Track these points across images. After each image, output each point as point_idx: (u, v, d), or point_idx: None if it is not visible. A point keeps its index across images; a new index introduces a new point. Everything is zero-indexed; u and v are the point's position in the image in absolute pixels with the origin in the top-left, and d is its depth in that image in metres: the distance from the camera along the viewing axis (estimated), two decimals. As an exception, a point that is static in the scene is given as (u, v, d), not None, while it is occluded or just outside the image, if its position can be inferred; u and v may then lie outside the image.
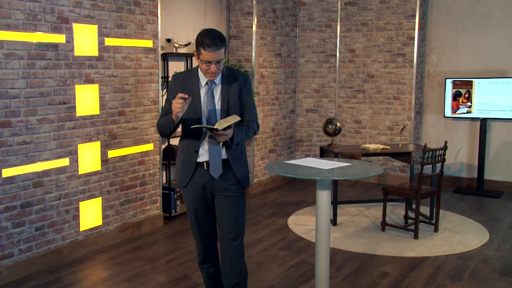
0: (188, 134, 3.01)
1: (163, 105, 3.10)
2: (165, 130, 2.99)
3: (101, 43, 4.55)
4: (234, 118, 2.86)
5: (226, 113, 2.97)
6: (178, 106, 2.81)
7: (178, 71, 5.90)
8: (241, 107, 3.04)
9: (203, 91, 2.99)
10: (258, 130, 3.15)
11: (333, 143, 5.67)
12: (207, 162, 2.99)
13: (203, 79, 2.99)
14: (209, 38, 2.81)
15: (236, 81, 3.03)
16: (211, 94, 2.97)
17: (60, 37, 4.20)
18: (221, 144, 2.98)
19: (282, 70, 7.18)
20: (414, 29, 6.94)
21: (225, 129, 2.82)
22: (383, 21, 7.16)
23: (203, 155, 2.99)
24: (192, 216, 3.11)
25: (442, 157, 5.11)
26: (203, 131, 2.97)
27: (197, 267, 4.19)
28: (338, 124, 5.73)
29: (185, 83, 3.01)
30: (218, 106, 2.99)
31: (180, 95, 2.81)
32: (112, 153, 4.74)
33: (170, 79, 5.71)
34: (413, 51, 6.97)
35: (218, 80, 2.99)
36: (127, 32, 4.80)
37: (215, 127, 2.80)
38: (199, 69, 3.01)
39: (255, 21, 6.53)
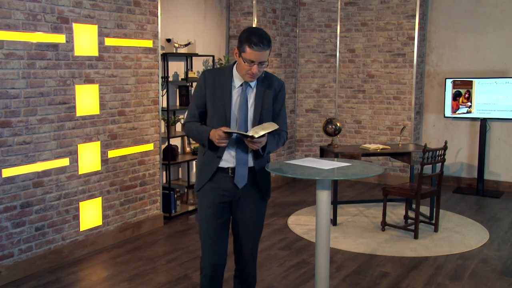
0: None
1: (190, 103, 2.92)
2: (196, 142, 2.87)
3: (101, 43, 4.55)
4: (271, 126, 2.69)
5: (258, 119, 2.79)
6: (223, 143, 2.68)
7: (177, 72, 5.92)
8: (273, 114, 2.88)
9: (235, 93, 2.80)
10: (286, 140, 2.99)
11: (333, 143, 5.67)
12: (232, 169, 2.81)
13: (237, 80, 2.80)
14: (256, 36, 2.65)
15: (272, 86, 2.86)
16: (244, 98, 2.78)
17: (60, 37, 4.20)
18: (249, 153, 2.81)
19: (282, 70, 7.18)
20: (414, 29, 6.94)
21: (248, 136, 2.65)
22: (383, 21, 7.16)
23: (228, 161, 2.81)
24: (206, 225, 2.88)
25: (442, 157, 5.11)
26: (233, 137, 2.76)
27: (197, 267, 4.19)
28: (338, 124, 5.73)
29: (216, 82, 2.81)
30: (250, 111, 2.80)
31: (222, 130, 2.64)
32: (112, 153, 4.74)
33: (170, 79, 5.70)
34: (413, 51, 6.97)
35: (253, 83, 2.82)
36: (127, 32, 4.80)
37: (251, 134, 2.62)
38: (234, 69, 2.82)
39: (255, 21, 6.53)
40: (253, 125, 2.79)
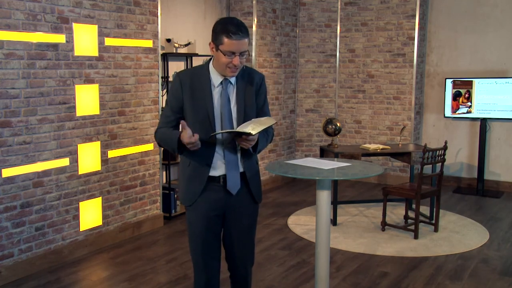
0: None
1: (164, 108, 2.70)
2: (167, 148, 2.63)
3: (101, 43, 4.55)
4: (269, 121, 2.54)
5: (243, 117, 2.62)
6: (195, 147, 2.47)
7: (177, 71, 5.91)
8: (256, 110, 2.71)
9: (216, 93, 2.60)
10: (273, 136, 2.85)
11: (333, 143, 5.67)
12: (224, 176, 2.63)
13: (216, 79, 2.61)
14: (233, 25, 2.47)
15: (253, 80, 2.68)
16: (226, 96, 2.60)
17: (60, 37, 4.20)
18: (239, 155, 2.65)
19: (282, 70, 7.18)
20: (414, 29, 6.94)
21: (244, 133, 2.46)
22: (383, 21, 7.16)
23: (219, 168, 2.63)
24: (199, 240, 2.71)
25: (442, 157, 5.11)
26: (217, 140, 2.59)
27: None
28: (338, 124, 5.73)
29: (194, 83, 2.60)
30: (234, 110, 2.62)
31: (195, 139, 2.44)
32: (112, 153, 4.74)
33: (170, 79, 5.70)
34: (413, 51, 6.97)
35: (233, 79, 2.63)
36: (127, 32, 4.80)
37: (248, 131, 2.44)
38: (209, 67, 2.63)
39: (255, 21, 6.53)
40: (238, 123, 2.61)
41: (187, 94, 2.60)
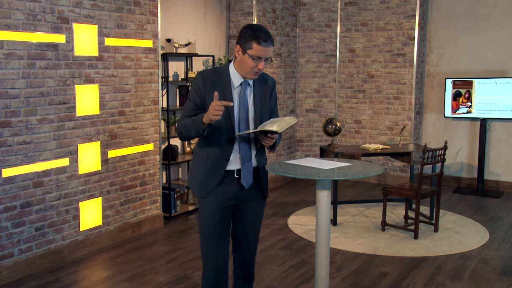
0: (216, 139, 2.75)
1: (186, 104, 2.81)
2: (188, 133, 2.71)
3: (101, 43, 4.55)
4: (292, 120, 2.72)
5: (260, 117, 2.80)
6: (218, 112, 2.52)
7: (177, 72, 5.92)
8: (269, 111, 2.89)
9: (236, 93, 2.76)
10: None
11: (333, 143, 5.67)
12: (239, 170, 2.80)
13: (236, 80, 2.76)
14: (263, 33, 2.64)
15: (266, 83, 2.87)
16: (245, 97, 2.76)
17: (60, 37, 4.20)
18: (253, 151, 2.82)
19: (282, 70, 7.18)
20: (414, 29, 6.94)
21: (269, 132, 2.63)
22: (383, 21, 7.16)
23: (234, 163, 2.78)
24: (212, 231, 2.82)
25: (442, 157, 5.11)
26: (236, 137, 2.75)
27: (197, 267, 4.19)
28: (338, 124, 5.73)
29: (216, 82, 2.74)
30: (251, 110, 2.79)
31: (223, 102, 2.55)
32: (112, 153, 4.74)
33: (171, 79, 5.70)
34: (413, 51, 6.97)
35: (251, 82, 2.79)
36: (127, 32, 4.80)
37: (275, 129, 2.61)
38: (230, 69, 2.77)
39: (255, 21, 6.52)
40: (255, 123, 2.78)
41: (210, 92, 2.70)
